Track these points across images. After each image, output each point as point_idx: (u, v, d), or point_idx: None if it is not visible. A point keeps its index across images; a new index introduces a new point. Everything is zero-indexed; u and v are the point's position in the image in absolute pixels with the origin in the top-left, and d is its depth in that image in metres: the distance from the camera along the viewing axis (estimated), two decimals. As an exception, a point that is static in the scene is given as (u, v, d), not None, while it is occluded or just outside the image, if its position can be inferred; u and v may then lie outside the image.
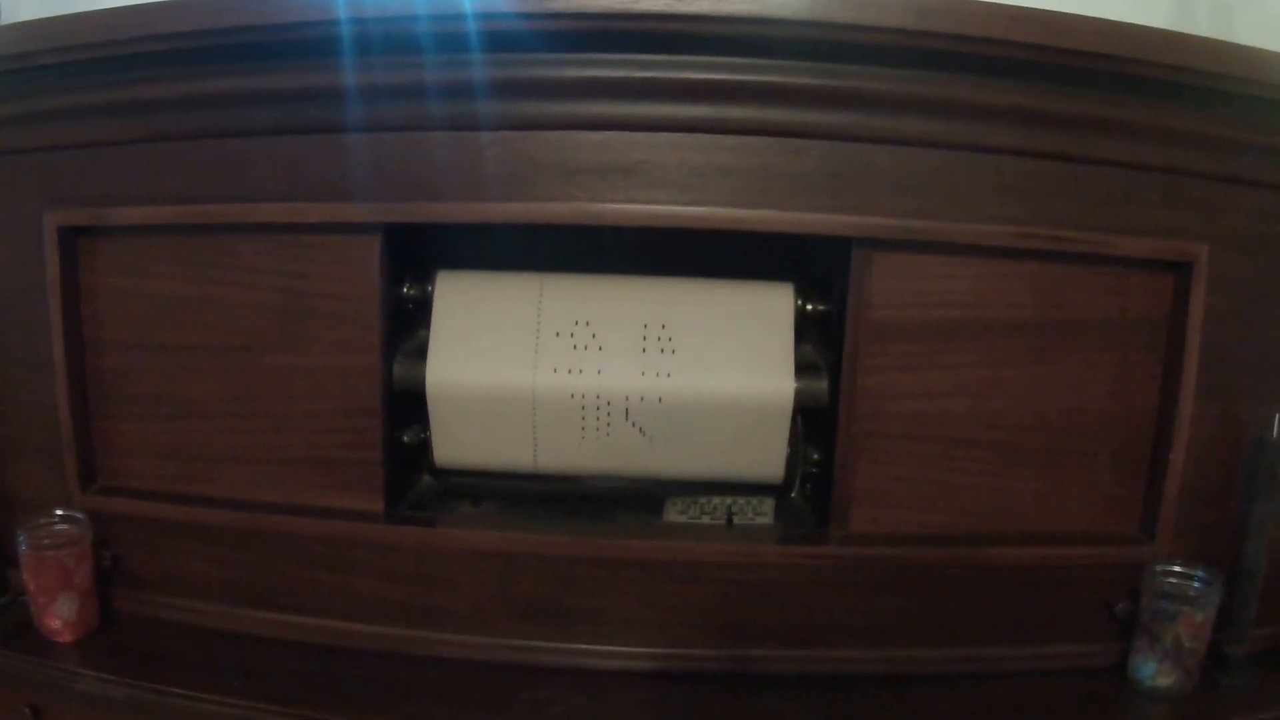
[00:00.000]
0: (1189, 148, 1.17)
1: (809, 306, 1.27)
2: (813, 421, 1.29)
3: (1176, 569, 1.22)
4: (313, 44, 1.10)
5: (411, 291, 1.27)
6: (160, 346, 1.26)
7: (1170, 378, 1.22)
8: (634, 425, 1.23)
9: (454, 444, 1.26)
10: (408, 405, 1.26)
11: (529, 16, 1.06)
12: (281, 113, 1.17)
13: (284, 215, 1.19)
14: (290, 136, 1.18)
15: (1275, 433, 1.22)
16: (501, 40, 1.07)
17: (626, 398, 1.22)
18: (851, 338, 1.19)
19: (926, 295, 1.19)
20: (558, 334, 1.23)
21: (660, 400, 1.22)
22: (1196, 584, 1.21)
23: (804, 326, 1.27)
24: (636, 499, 1.32)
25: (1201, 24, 1.66)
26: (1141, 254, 1.19)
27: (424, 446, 1.29)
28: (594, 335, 1.23)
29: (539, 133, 1.14)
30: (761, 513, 1.29)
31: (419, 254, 1.29)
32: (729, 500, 1.31)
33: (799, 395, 1.22)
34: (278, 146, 1.18)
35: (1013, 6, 1.06)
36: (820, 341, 1.29)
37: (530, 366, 1.22)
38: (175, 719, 1.18)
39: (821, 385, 1.24)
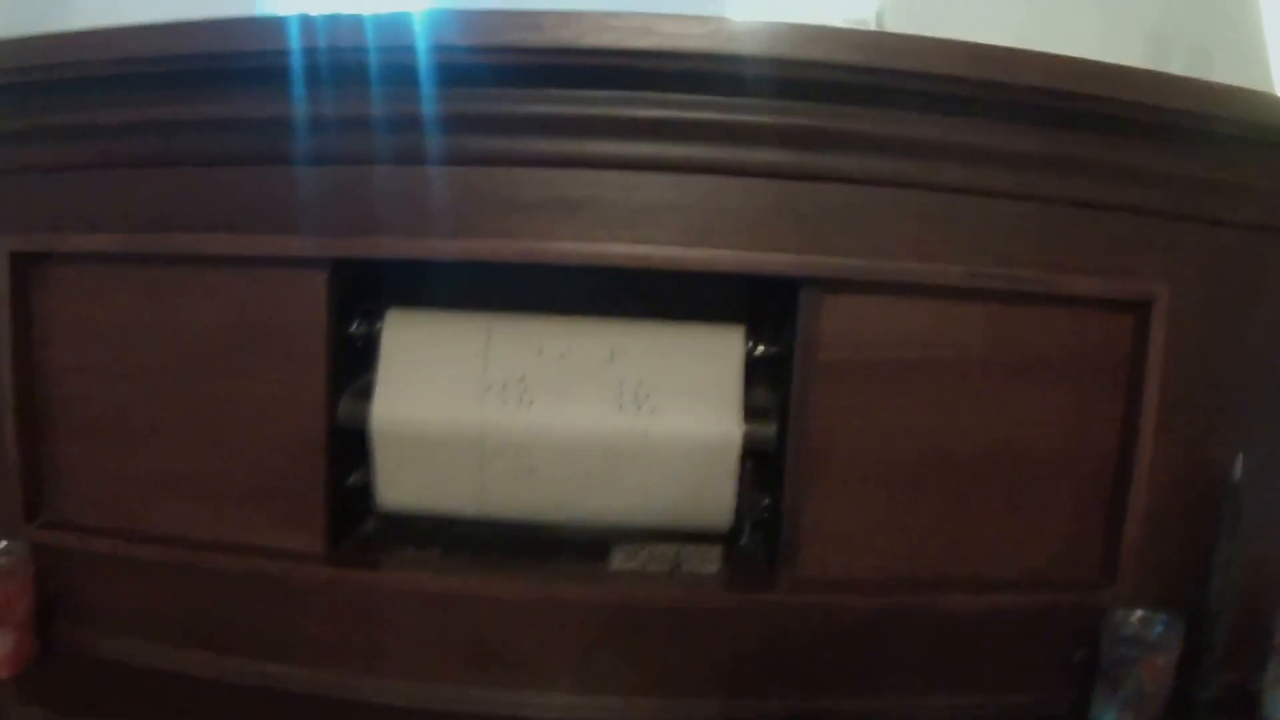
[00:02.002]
0: (1146, 186, 1.17)
1: (759, 349, 1.25)
2: (762, 466, 1.27)
3: (1138, 613, 1.19)
4: (264, 73, 1.10)
5: (360, 329, 1.26)
6: (106, 375, 1.25)
7: (1130, 418, 1.21)
8: (580, 470, 1.21)
9: (398, 486, 1.24)
10: (355, 445, 1.24)
11: (477, 50, 1.07)
12: (232, 142, 1.17)
13: (232, 247, 1.18)
14: (240, 167, 1.18)
15: (1238, 474, 1.21)
16: (450, 73, 1.08)
17: (573, 441, 1.20)
18: (800, 380, 1.17)
19: (877, 336, 1.17)
20: (505, 376, 1.21)
21: (607, 445, 1.20)
22: (1158, 628, 1.18)
23: (754, 368, 1.25)
24: (583, 546, 1.29)
25: (1177, 67, 1.65)
26: (1098, 294, 1.19)
27: (369, 488, 1.26)
28: (542, 378, 1.21)
29: (485, 169, 1.14)
30: (710, 560, 1.27)
31: (372, 291, 1.28)
32: (676, 547, 1.28)
33: (747, 439, 1.20)
34: (228, 176, 1.18)
35: (963, 43, 1.06)
36: (771, 383, 1.27)
37: (477, 408, 1.20)
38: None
39: (770, 430, 1.22)
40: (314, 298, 1.19)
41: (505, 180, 1.14)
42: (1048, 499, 1.23)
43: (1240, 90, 1.14)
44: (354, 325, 1.26)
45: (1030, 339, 1.20)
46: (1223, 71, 1.65)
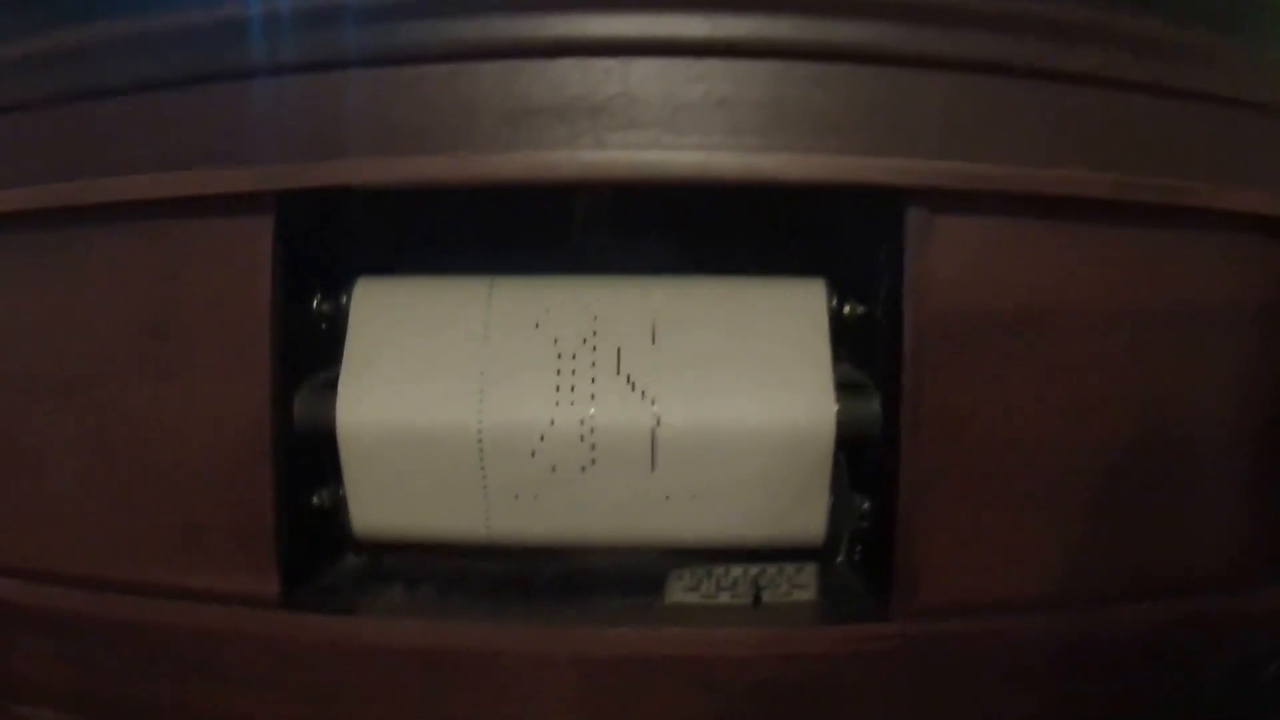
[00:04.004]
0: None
1: (845, 309, 0.95)
2: (856, 460, 0.96)
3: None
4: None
5: (323, 307, 0.97)
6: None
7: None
8: (619, 475, 0.90)
9: (377, 506, 0.93)
10: (324, 456, 0.93)
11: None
12: (151, 63, 0.90)
13: (149, 190, 0.88)
14: (161, 92, 0.90)
15: None
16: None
17: (607, 437, 0.89)
18: (913, 336, 0.86)
19: (1004, 275, 0.87)
20: (513, 355, 0.92)
21: (654, 438, 0.89)
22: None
23: (835, 337, 0.95)
24: (627, 577, 0.98)
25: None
26: (1265, 210, 0.91)
27: (341, 511, 0.95)
28: (561, 355, 0.91)
29: (477, 63, 0.85)
30: (800, 585, 0.94)
31: (331, 261, 0.99)
32: (755, 570, 0.96)
33: (843, 423, 0.90)
34: (146, 105, 0.90)
35: None
36: (854, 358, 0.98)
37: (476, 400, 0.90)
38: None
39: (872, 407, 0.92)
40: (256, 255, 0.88)
41: (506, 76, 0.85)
42: (1220, 480, 0.94)
43: None
44: (315, 303, 0.96)
45: (1186, 274, 0.91)
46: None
